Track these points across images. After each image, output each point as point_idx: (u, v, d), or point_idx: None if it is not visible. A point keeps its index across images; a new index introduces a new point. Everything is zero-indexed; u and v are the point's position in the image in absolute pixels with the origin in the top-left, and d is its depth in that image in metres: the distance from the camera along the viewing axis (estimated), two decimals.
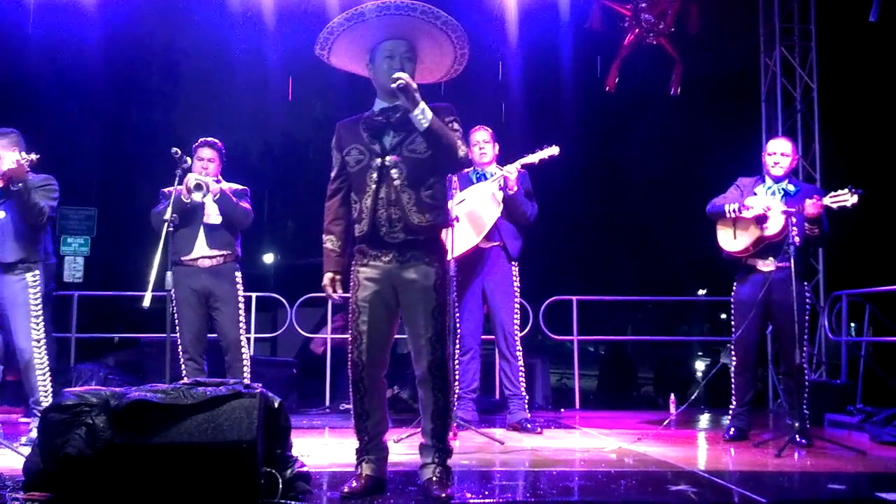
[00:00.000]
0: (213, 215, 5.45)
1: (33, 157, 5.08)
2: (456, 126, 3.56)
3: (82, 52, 8.77)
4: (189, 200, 5.27)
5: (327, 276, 3.65)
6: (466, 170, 5.04)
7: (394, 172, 3.48)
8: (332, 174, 3.69)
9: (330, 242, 3.67)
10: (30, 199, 5.06)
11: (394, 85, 3.35)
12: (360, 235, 3.55)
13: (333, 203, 3.68)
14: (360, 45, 3.58)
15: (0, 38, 8.24)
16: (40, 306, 5.21)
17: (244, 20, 8.44)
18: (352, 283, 3.58)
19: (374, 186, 3.49)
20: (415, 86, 3.40)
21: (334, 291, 3.64)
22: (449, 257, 3.67)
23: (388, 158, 3.49)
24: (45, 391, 5.14)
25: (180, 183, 5.09)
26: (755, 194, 5.44)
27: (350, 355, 3.57)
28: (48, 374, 5.21)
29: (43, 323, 5.23)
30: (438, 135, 3.44)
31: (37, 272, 5.21)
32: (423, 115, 3.40)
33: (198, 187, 5.26)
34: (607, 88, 9.02)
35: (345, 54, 3.64)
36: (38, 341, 5.18)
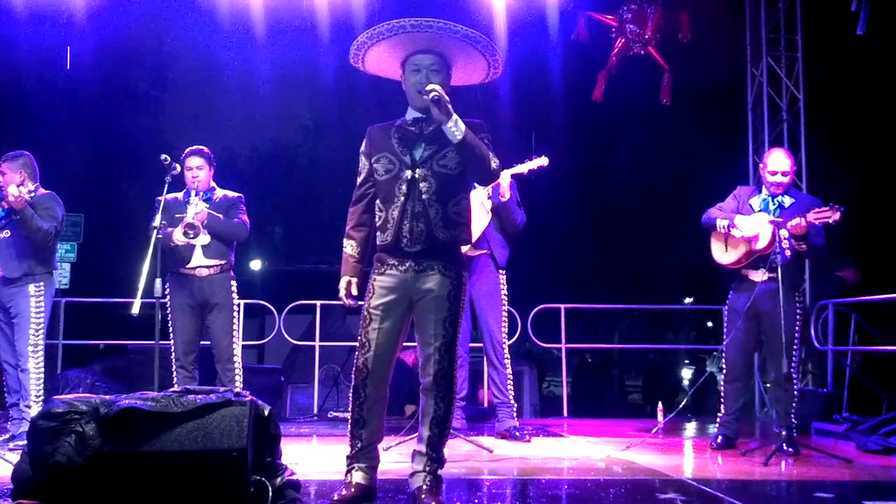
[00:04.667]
0: (203, 238, 5.42)
1: (29, 188, 5.15)
2: (486, 142, 3.55)
3: (70, 59, 8.77)
4: (182, 243, 5.31)
5: (343, 281, 3.64)
6: None
7: (423, 186, 3.47)
8: (359, 180, 3.66)
9: (350, 247, 3.65)
10: (32, 225, 5.14)
11: (426, 96, 3.34)
12: (382, 245, 3.54)
13: (357, 209, 3.67)
14: (392, 56, 3.59)
15: None
16: (42, 315, 5.32)
17: (232, 28, 8.45)
18: (367, 291, 3.57)
19: (402, 199, 3.48)
20: (447, 98, 3.38)
21: (349, 297, 3.62)
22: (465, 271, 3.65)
23: (418, 171, 3.49)
24: (38, 397, 5.20)
25: (170, 191, 5.12)
26: (751, 206, 5.46)
27: (356, 361, 3.56)
28: (42, 380, 5.27)
29: (43, 331, 5.31)
30: (472, 147, 3.43)
31: (41, 283, 5.32)
32: (456, 126, 3.37)
33: (186, 234, 5.28)
34: (594, 99, 9.08)
35: (377, 65, 3.67)
36: (36, 347, 5.26)
